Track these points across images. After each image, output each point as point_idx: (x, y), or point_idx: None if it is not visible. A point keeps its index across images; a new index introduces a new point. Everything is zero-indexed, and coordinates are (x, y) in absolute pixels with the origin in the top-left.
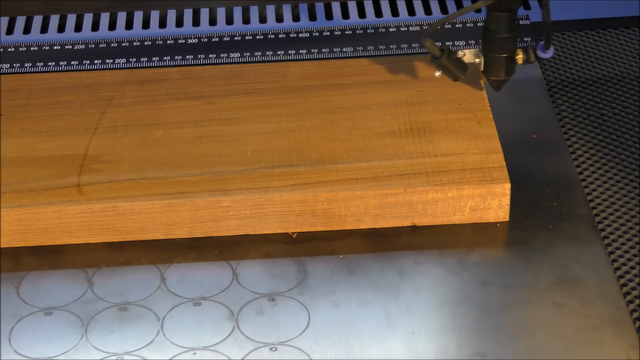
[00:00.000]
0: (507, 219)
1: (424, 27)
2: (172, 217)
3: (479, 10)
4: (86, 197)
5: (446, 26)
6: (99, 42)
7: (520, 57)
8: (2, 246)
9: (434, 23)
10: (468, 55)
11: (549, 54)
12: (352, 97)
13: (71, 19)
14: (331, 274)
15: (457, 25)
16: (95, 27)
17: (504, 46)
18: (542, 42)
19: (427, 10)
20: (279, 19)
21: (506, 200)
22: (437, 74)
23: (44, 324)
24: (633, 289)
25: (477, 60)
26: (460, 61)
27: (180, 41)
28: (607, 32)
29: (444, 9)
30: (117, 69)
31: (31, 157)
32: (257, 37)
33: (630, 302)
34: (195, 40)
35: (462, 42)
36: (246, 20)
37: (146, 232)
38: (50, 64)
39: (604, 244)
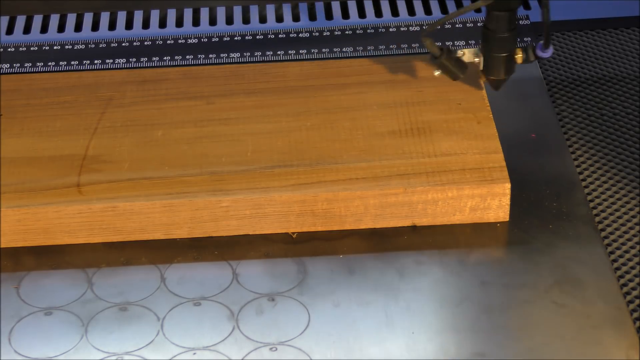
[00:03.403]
0: (507, 219)
1: (423, 27)
2: (172, 217)
3: (478, 10)
4: (86, 197)
5: (446, 26)
6: (99, 42)
7: (519, 56)
8: (2, 246)
9: (434, 22)
10: (467, 54)
11: (548, 53)
12: (352, 97)
13: (71, 19)
14: (331, 274)
15: (457, 25)
16: (95, 27)
17: (504, 45)
18: (542, 42)
19: (427, 10)
20: (279, 19)
21: (506, 200)
22: (437, 73)
23: (44, 324)
24: (633, 289)
25: (476, 59)
26: (459, 60)
27: (180, 41)
28: (607, 32)
29: (444, 9)
30: (117, 69)
31: (31, 157)
32: (257, 37)
33: (630, 302)
34: (195, 40)
35: (462, 42)
36: (246, 20)
37: (146, 232)
38: (50, 64)
39: (604, 244)
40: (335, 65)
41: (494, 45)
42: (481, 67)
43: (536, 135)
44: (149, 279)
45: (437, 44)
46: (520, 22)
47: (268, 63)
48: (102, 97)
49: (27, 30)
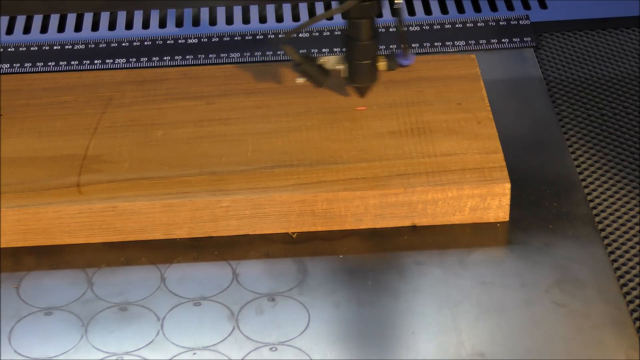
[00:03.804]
0: (507, 219)
1: (423, 27)
2: (172, 217)
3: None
4: (86, 197)
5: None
6: (99, 42)
7: (382, 63)
8: (2, 246)
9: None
10: (331, 61)
11: (409, 60)
12: (352, 97)
13: (71, 19)
14: (331, 274)
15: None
16: (95, 27)
17: (366, 53)
18: (401, 50)
19: (427, 11)
20: (279, 19)
21: (506, 200)
22: (299, 80)
23: (44, 324)
24: (633, 289)
25: (339, 67)
26: (321, 67)
27: (180, 41)
28: (607, 32)
29: (444, 9)
30: (117, 69)
31: (31, 157)
32: (257, 37)
33: (630, 302)
34: (195, 40)
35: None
36: (246, 20)
37: (146, 232)
38: (50, 64)
39: (604, 244)
40: None
41: (356, 52)
42: (345, 74)
43: (536, 135)
44: (149, 279)
45: (302, 50)
46: (520, 22)
47: (268, 63)
48: (102, 97)
49: (27, 30)
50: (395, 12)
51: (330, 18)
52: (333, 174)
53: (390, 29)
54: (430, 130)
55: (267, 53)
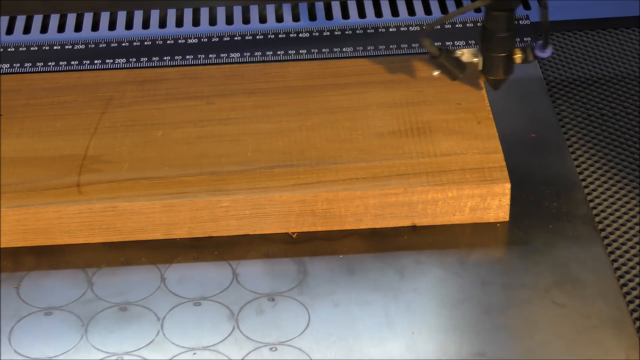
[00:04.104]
0: (507, 219)
1: (423, 27)
2: (172, 217)
3: (478, 10)
4: (86, 197)
5: (446, 26)
6: (99, 42)
7: (518, 56)
8: (2, 246)
9: (432, 22)
10: (466, 54)
11: (547, 53)
12: (352, 97)
13: (71, 19)
14: (331, 274)
15: (457, 25)
16: (95, 27)
17: (503, 45)
18: (541, 42)
19: (427, 10)
20: (279, 19)
21: (506, 200)
22: (436, 73)
23: (44, 324)
24: (633, 289)
25: (475, 59)
26: (458, 60)
27: (180, 41)
28: (607, 32)
29: (444, 9)
30: (117, 69)
31: (31, 157)
32: (257, 37)
33: (630, 302)
34: (195, 40)
35: (462, 42)
36: (246, 20)
37: (146, 232)
38: (50, 64)
39: (604, 244)
40: (335, 65)
41: (493, 45)
42: (480, 67)
43: (536, 135)
44: (149, 279)
45: (436, 43)
46: (520, 22)
47: (268, 63)
48: (102, 97)
49: (27, 30)
50: (540, 3)
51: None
52: (333, 174)
53: (390, 29)
54: (430, 130)
55: (267, 53)
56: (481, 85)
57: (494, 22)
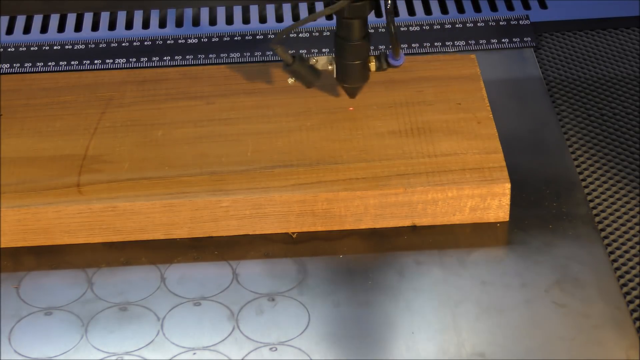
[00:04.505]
0: (507, 219)
1: (423, 27)
2: (172, 217)
3: (330, 17)
4: (86, 197)
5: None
6: (99, 42)
7: (372, 64)
8: (2, 246)
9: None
10: (321, 62)
11: (399, 61)
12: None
13: (71, 19)
14: (331, 274)
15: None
16: (95, 27)
17: (355, 53)
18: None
19: (427, 11)
20: (279, 19)
21: (506, 200)
22: (290, 81)
23: (44, 324)
24: (633, 289)
25: (330, 67)
26: (313, 68)
27: (180, 41)
28: (607, 32)
29: (444, 9)
30: (117, 69)
31: (31, 157)
32: (257, 37)
33: (630, 302)
34: (195, 40)
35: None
36: (246, 20)
37: (146, 232)
38: (50, 64)
39: (604, 244)
40: None
41: (345, 52)
42: (334, 75)
43: (536, 135)
44: (149, 279)
45: (291, 51)
46: (520, 22)
47: (268, 63)
48: (102, 97)
49: (27, 30)
50: (387, 9)
51: (330, 17)
52: (333, 174)
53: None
54: (430, 130)
55: (267, 53)
56: (481, 85)
57: (346, 30)
